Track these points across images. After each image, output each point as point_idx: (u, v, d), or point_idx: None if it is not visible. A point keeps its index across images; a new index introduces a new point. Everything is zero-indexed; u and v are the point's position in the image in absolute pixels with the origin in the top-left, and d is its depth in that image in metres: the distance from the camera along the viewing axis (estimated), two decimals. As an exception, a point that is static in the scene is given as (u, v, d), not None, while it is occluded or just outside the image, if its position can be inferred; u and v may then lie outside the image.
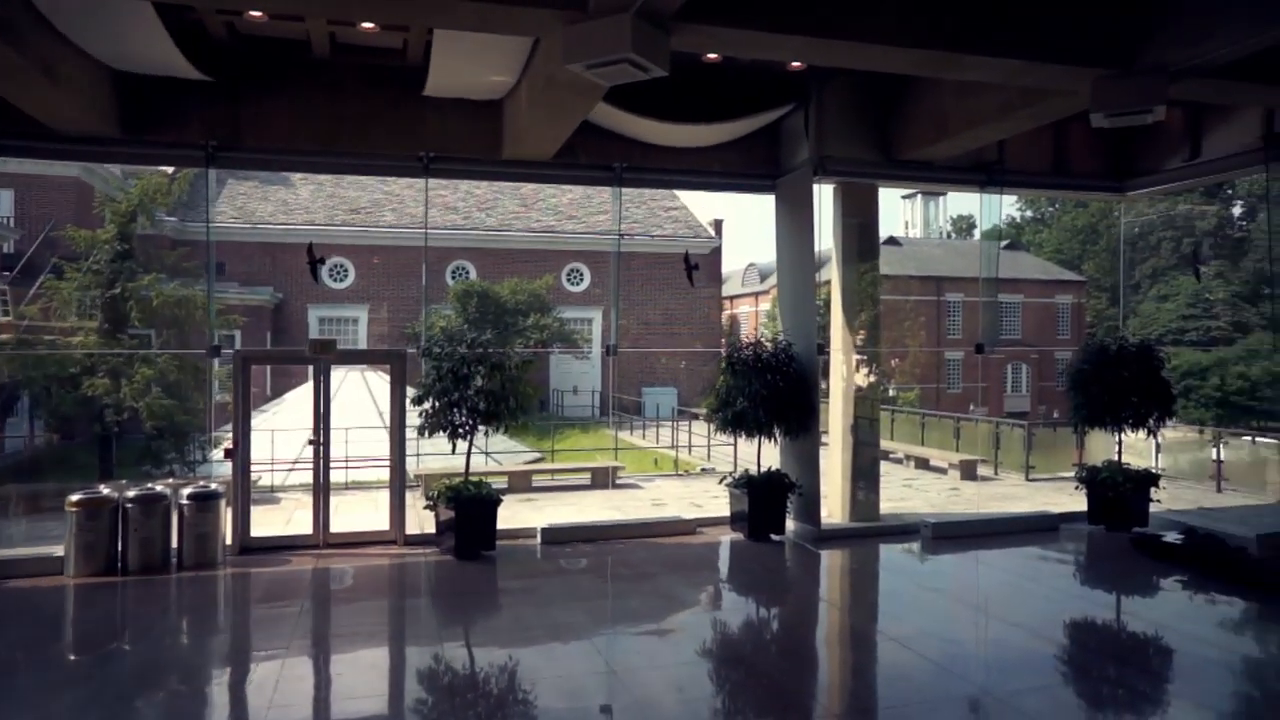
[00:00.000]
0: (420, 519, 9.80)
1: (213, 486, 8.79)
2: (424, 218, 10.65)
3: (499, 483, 13.13)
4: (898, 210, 70.94)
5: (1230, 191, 47.75)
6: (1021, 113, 8.42)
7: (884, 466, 14.76)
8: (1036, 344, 44.52)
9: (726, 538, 10.04)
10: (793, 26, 6.24)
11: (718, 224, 33.74)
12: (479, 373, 9.01)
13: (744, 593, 8.64)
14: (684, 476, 15.17)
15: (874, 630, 7.49)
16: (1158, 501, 10.66)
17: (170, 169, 18.44)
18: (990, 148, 10.50)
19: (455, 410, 9.05)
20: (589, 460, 16.44)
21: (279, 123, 9.11)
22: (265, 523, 10.01)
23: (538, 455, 17.89)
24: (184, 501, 8.47)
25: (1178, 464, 15.80)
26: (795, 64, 9.12)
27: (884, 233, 47.89)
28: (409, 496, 10.11)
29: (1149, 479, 10.55)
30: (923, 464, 16.22)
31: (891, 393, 36.87)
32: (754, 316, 46.69)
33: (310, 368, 9.64)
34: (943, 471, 15.43)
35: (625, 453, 18.49)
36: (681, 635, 7.04)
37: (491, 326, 25.96)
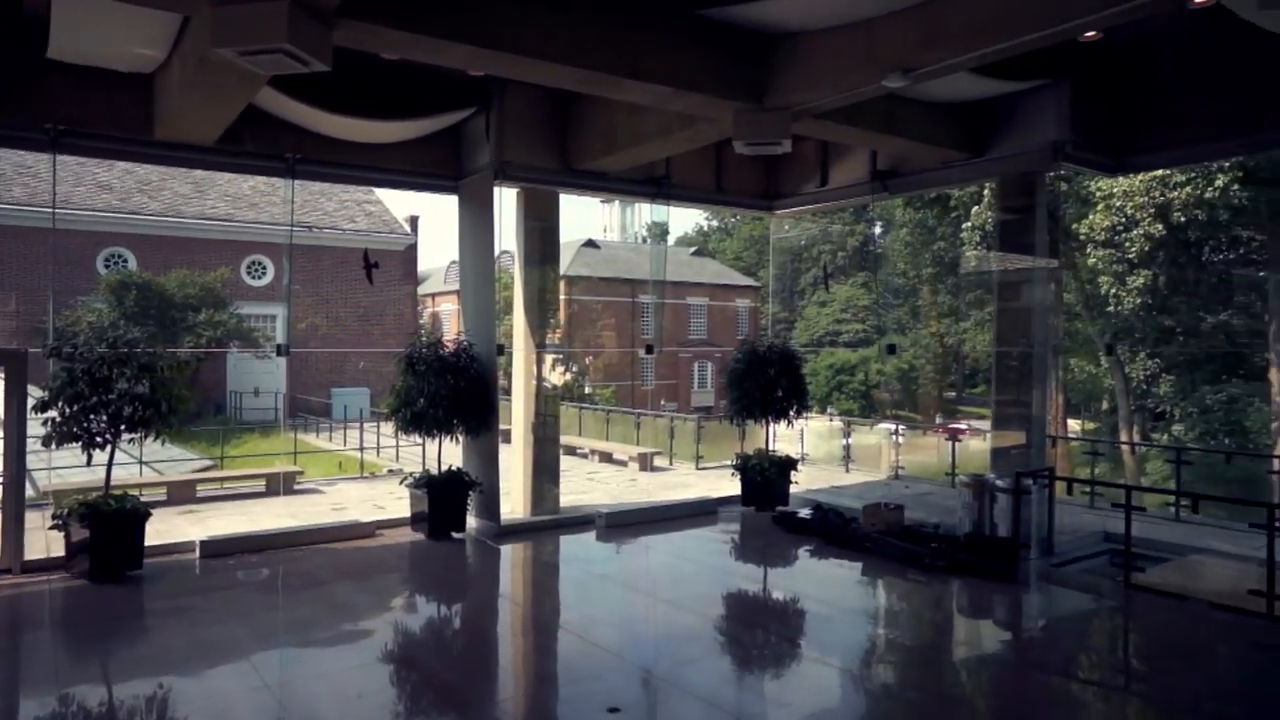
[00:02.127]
0: (49, 541, 8.61)
1: None
2: (52, 197, 9.33)
3: (157, 494, 11.92)
4: (597, 214, 74.02)
5: (872, 214, 55.75)
6: (679, 134, 9.24)
7: (570, 461, 15.47)
8: (719, 343, 48.79)
9: (407, 539, 9.95)
10: (457, 35, 6.36)
11: (413, 220, 33.00)
12: (124, 375, 8.13)
13: (421, 593, 8.64)
14: (370, 479, 14.73)
15: (548, 620, 7.86)
16: (797, 483, 12.25)
17: None
18: (659, 163, 11.37)
19: (93, 417, 8.08)
20: (265, 466, 15.36)
21: None
22: None
23: (208, 463, 16.39)
24: None
25: (829, 449, 18.26)
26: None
27: (584, 235, 49.87)
28: (38, 516, 8.85)
29: (789, 464, 12.08)
30: (606, 458, 17.17)
31: (588, 390, 38.49)
32: (456, 314, 46.28)
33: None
34: (624, 464, 16.44)
35: (308, 456, 17.52)
36: (354, 642, 6.88)
37: (155, 323, 23.32)
